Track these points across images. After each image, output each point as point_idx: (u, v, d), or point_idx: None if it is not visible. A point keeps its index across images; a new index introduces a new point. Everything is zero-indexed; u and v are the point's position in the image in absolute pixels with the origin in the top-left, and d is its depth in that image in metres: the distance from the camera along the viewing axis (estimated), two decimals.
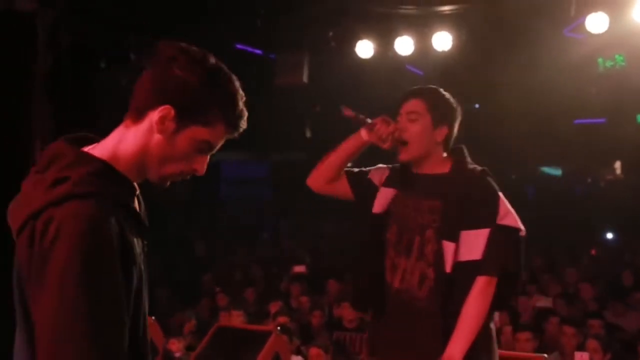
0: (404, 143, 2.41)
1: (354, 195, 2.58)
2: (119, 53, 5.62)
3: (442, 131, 2.43)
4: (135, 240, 1.30)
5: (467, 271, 2.30)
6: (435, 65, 6.48)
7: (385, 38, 6.11)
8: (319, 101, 6.66)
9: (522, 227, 2.38)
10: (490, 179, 2.42)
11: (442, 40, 5.92)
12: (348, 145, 2.51)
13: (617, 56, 6.12)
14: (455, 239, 2.31)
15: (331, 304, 6.47)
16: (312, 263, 8.55)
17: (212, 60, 1.36)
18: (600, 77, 6.50)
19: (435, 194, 2.39)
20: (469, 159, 2.49)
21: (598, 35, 5.36)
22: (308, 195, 2.77)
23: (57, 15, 4.91)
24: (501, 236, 2.32)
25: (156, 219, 1.46)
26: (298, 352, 4.90)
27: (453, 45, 5.92)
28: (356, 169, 2.62)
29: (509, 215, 2.36)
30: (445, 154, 2.49)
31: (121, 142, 1.34)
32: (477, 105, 9.30)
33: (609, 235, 12.31)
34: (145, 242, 1.39)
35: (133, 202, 1.37)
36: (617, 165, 12.52)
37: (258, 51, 6.94)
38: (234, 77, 1.37)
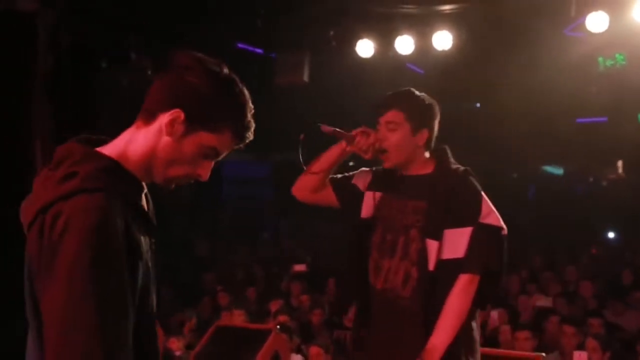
0: (385, 152, 2.44)
1: (339, 203, 2.61)
2: (119, 53, 5.63)
3: (423, 135, 2.46)
4: (142, 238, 1.33)
5: (450, 269, 2.33)
6: (435, 65, 6.48)
7: (386, 37, 6.11)
8: (320, 101, 6.66)
9: (504, 226, 2.41)
10: (472, 179, 2.45)
11: (443, 40, 5.91)
12: (330, 156, 2.54)
13: (617, 55, 6.12)
14: (439, 237, 2.35)
15: (331, 302, 6.49)
16: (313, 262, 8.57)
17: (226, 71, 1.40)
18: (601, 76, 6.50)
19: (420, 195, 2.43)
20: (452, 159, 2.52)
21: (598, 35, 5.36)
22: None
23: (57, 16, 4.91)
24: (483, 235, 2.35)
25: (160, 221, 1.48)
26: (298, 351, 4.91)
27: (453, 45, 5.92)
28: (340, 176, 2.65)
29: (491, 214, 2.39)
30: (428, 154, 2.52)
31: (131, 142, 1.38)
32: (478, 105, 9.31)
33: (611, 235, 12.32)
34: (153, 241, 1.41)
35: (141, 200, 1.40)
36: (620, 164, 12.51)
37: (259, 50, 6.94)
38: (245, 90, 1.42)
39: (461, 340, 2.32)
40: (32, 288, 1.29)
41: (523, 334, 4.56)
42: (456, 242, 2.34)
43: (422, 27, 5.93)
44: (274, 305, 5.96)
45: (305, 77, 6.23)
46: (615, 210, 11.65)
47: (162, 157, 1.37)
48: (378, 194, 2.53)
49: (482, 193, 2.42)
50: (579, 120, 9.53)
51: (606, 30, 5.26)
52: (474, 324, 2.41)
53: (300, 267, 7.61)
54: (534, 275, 7.34)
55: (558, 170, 13.86)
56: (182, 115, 1.34)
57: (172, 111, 1.35)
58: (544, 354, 3.35)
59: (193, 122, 1.35)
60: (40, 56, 4.73)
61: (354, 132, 2.43)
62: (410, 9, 5.78)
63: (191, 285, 8.05)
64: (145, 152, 1.37)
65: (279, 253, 10.10)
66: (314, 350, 4.68)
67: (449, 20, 5.82)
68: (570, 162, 12.87)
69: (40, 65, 4.74)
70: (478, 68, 6.85)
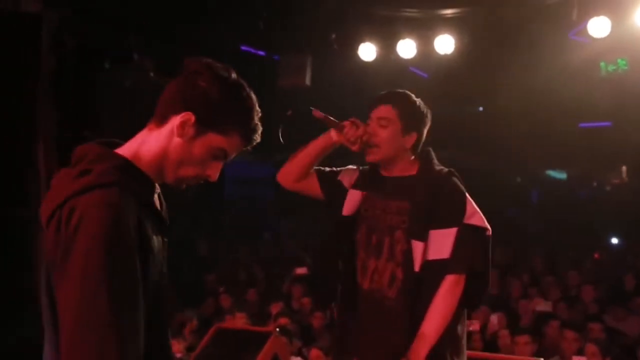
0: (372, 146, 2.44)
1: (323, 195, 2.60)
2: (122, 54, 5.65)
3: (412, 137, 2.46)
4: (154, 236, 1.38)
5: (435, 270, 2.34)
6: (438, 69, 6.49)
7: (388, 41, 6.12)
8: (322, 104, 6.67)
9: (488, 226, 2.41)
10: (456, 180, 2.45)
11: (445, 44, 5.93)
12: (317, 145, 2.52)
13: (619, 60, 6.12)
14: (424, 238, 2.35)
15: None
16: (313, 264, 8.55)
17: (234, 76, 1.47)
18: (603, 81, 6.50)
19: (404, 195, 2.43)
20: (435, 161, 2.52)
21: (600, 40, 5.36)
22: None
23: (61, 17, 4.94)
24: (468, 235, 2.35)
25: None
26: (299, 354, 4.92)
27: (455, 49, 5.93)
28: (327, 169, 2.64)
29: (475, 214, 2.39)
30: (413, 157, 2.52)
31: (144, 143, 1.45)
32: (480, 108, 9.31)
33: (614, 240, 12.27)
34: (166, 240, 1.46)
35: (153, 198, 1.45)
36: (624, 169, 12.49)
37: (261, 52, 6.96)
38: (253, 95, 1.48)
39: (447, 341, 2.33)
40: (48, 284, 1.33)
41: (523, 339, 4.56)
42: (441, 242, 2.34)
43: (425, 30, 5.95)
44: (275, 308, 5.97)
45: (307, 80, 6.25)
46: (618, 215, 11.61)
47: (173, 158, 1.43)
48: (362, 193, 2.52)
49: (466, 194, 2.42)
50: (582, 124, 9.53)
51: (608, 36, 5.26)
52: (460, 325, 2.42)
53: (301, 270, 7.61)
54: (536, 279, 7.32)
55: (561, 175, 13.84)
56: (193, 118, 1.41)
57: (183, 114, 1.41)
58: (542, 359, 3.35)
59: (203, 125, 1.42)
60: (44, 57, 4.75)
61: (344, 122, 2.43)
62: (412, 12, 5.80)
63: (192, 286, 8.06)
64: (158, 153, 1.43)
65: (279, 253, 10.10)
66: (314, 352, 4.68)
67: (451, 24, 5.83)
68: (574, 166, 12.86)
69: (44, 66, 4.76)
70: (480, 72, 6.86)
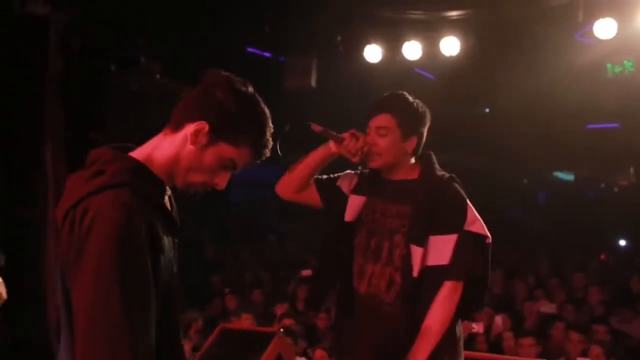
0: (373, 156, 2.42)
1: (322, 204, 2.58)
2: (129, 56, 5.69)
3: (412, 142, 2.44)
4: (165, 237, 1.41)
5: (434, 276, 2.31)
6: (443, 70, 6.49)
7: (393, 43, 6.12)
8: (327, 105, 6.69)
9: (488, 234, 2.38)
10: (458, 185, 2.43)
11: (450, 45, 5.92)
12: (316, 156, 2.51)
13: (625, 62, 6.10)
14: (423, 243, 2.33)
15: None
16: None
17: (251, 90, 1.51)
18: (610, 82, 6.47)
19: (404, 199, 2.40)
20: (437, 165, 2.50)
21: (606, 41, 5.35)
22: None
23: (69, 19, 4.98)
24: (469, 242, 2.33)
25: None
26: (304, 354, 4.93)
27: (461, 50, 5.93)
28: (324, 177, 2.62)
29: (476, 221, 2.37)
30: (413, 160, 2.50)
31: (157, 147, 1.49)
32: (487, 110, 9.29)
33: (622, 242, 12.20)
34: (176, 241, 1.50)
35: (164, 199, 1.49)
36: (632, 170, 12.43)
37: (267, 54, 6.99)
38: (267, 111, 1.52)
39: (444, 346, 2.31)
40: (64, 284, 1.37)
41: (527, 341, 4.53)
42: (441, 248, 2.32)
43: (430, 32, 5.95)
44: (280, 309, 5.99)
45: (313, 82, 6.26)
46: (626, 217, 11.56)
47: (184, 164, 1.47)
48: (363, 198, 2.50)
49: (467, 200, 2.40)
50: (589, 126, 9.49)
51: (614, 37, 5.24)
52: (457, 328, 2.40)
53: (307, 272, 7.63)
54: (542, 281, 7.30)
55: (568, 176, 13.79)
56: (207, 127, 1.45)
57: (197, 122, 1.45)
58: None
59: (216, 135, 1.46)
60: (51, 59, 4.79)
61: (343, 135, 2.41)
62: (417, 14, 5.81)
63: (198, 287, 8.10)
64: (170, 158, 1.47)
65: (284, 256, 10.12)
66: (318, 353, 4.69)
67: (457, 26, 5.83)
68: (581, 168, 12.81)
69: (51, 68, 4.80)
70: (486, 74, 6.85)
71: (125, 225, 1.29)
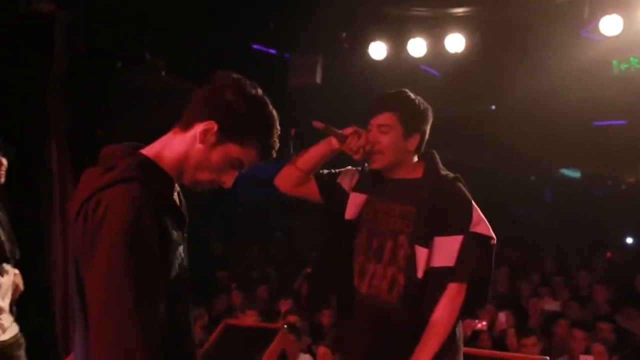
0: (375, 154, 2.40)
1: (322, 199, 2.55)
2: (135, 54, 5.70)
3: (414, 140, 2.41)
4: (174, 231, 1.47)
5: (438, 277, 2.28)
6: (448, 67, 6.47)
7: (398, 40, 6.11)
8: (332, 102, 6.70)
9: (493, 235, 2.35)
10: (462, 186, 2.39)
11: (455, 42, 5.90)
12: (317, 151, 2.48)
13: (631, 59, 6.06)
14: (428, 244, 2.29)
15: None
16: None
17: (260, 93, 1.55)
18: (616, 79, 6.44)
19: (408, 199, 2.37)
20: (440, 165, 2.46)
21: (612, 38, 5.32)
22: None
23: (74, 17, 4.99)
24: (474, 244, 2.30)
25: None
26: (308, 351, 4.94)
27: (466, 47, 5.91)
28: (325, 172, 2.60)
29: (481, 223, 2.33)
30: (416, 159, 2.47)
31: (167, 145, 1.55)
32: (493, 107, 9.27)
33: (629, 240, 12.16)
34: (185, 235, 1.55)
35: (173, 195, 1.54)
36: (639, 167, 12.38)
37: (272, 51, 7.00)
38: (275, 113, 1.57)
39: (445, 346, 2.29)
40: (78, 277, 1.42)
41: (530, 341, 4.51)
42: (447, 250, 2.28)
43: (435, 29, 5.93)
44: (284, 305, 6.00)
45: (318, 79, 6.26)
46: (633, 214, 11.52)
47: (193, 162, 1.53)
48: (364, 196, 2.47)
49: (472, 201, 2.36)
50: (595, 123, 9.46)
51: (620, 34, 5.21)
52: (458, 330, 2.38)
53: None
54: (546, 279, 7.29)
55: (575, 173, 13.76)
56: (216, 127, 1.50)
57: (207, 122, 1.50)
58: (547, 358, 3.34)
59: (224, 135, 1.51)
60: (56, 57, 4.80)
61: (345, 132, 2.37)
62: (422, 11, 5.79)
63: (204, 283, 8.13)
64: (179, 155, 1.53)
65: (291, 252, 10.14)
66: (321, 350, 4.70)
67: (462, 23, 5.81)
68: (588, 165, 12.77)
69: (56, 66, 4.81)
70: (491, 71, 6.84)
71: (135, 220, 1.35)
